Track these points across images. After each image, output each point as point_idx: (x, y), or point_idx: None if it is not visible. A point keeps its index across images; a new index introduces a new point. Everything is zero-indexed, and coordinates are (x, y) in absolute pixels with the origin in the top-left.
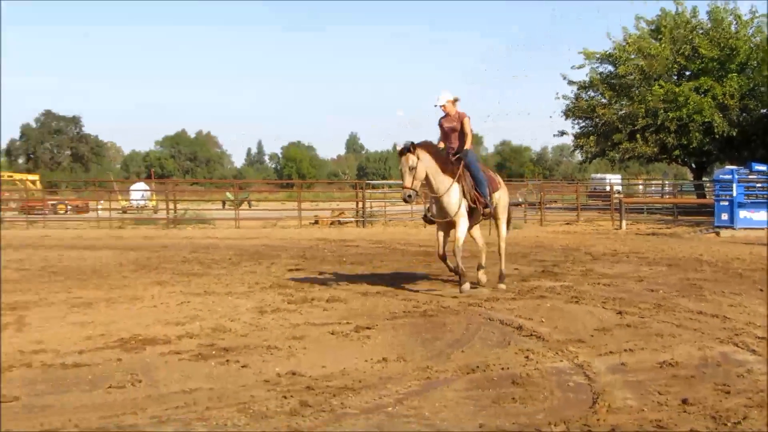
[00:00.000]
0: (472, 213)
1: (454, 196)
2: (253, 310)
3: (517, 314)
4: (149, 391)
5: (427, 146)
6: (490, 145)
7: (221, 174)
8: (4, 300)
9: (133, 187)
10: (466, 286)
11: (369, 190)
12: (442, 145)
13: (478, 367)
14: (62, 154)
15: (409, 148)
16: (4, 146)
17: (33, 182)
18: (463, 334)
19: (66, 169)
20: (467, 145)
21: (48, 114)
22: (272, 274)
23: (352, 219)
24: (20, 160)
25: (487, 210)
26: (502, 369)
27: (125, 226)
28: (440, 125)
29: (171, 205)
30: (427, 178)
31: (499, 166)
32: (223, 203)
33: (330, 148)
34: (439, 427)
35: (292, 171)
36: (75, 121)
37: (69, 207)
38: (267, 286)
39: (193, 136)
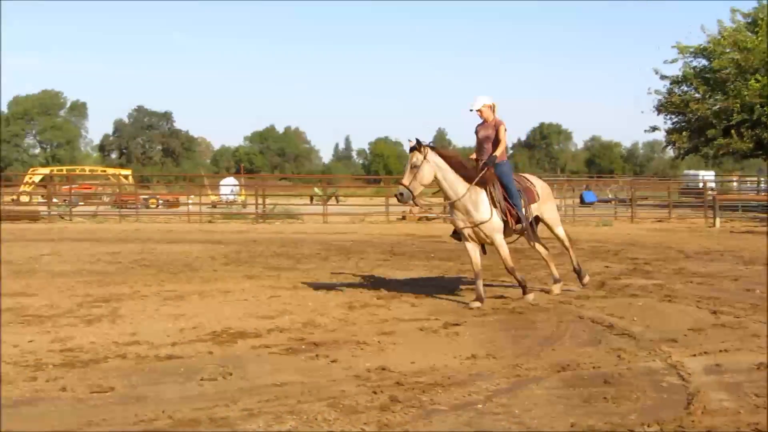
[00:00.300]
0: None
1: (481, 203)
2: (342, 305)
3: (608, 312)
4: (240, 383)
5: (440, 149)
6: (579, 140)
7: (309, 169)
8: (99, 291)
9: (223, 182)
10: (531, 296)
11: None
12: (473, 156)
13: (568, 365)
14: (154, 149)
15: (416, 146)
16: (98, 141)
17: (126, 177)
18: (553, 331)
19: (157, 164)
20: (498, 152)
21: (140, 110)
22: (360, 269)
23: (440, 215)
24: (113, 155)
25: (519, 226)
26: (594, 368)
27: (215, 220)
28: (476, 133)
29: (260, 200)
30: (438, 182)
31: (588, 162)
32: (311, 198)
33: None
34: (529, 425)
35: (380, 166)
36: (166, 116)
37: (160, 201)
38: (355, 281)
39: (281, 131)
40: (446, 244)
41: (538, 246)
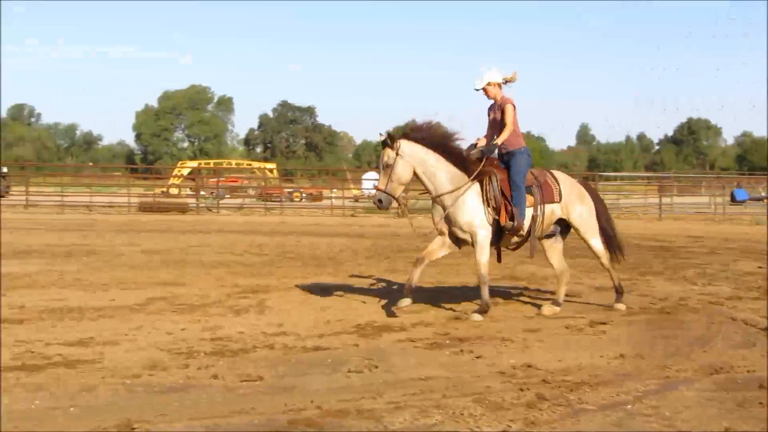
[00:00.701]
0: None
1: (467, 200)
2: None
3: (762, 314)
4: (386, 376)
5: (421, 133)
6: (729, 136)
7: None
8: (246, 282)
9: (365, 176)
10: (477, 316)
11: (601, 183)
12: (483, 141)
13: (721, 368)
14: (297, 143)
15: (386, 140)
16: (243, 135)
17: (270, 170)
18: (704, 333)
19: (300, 158)
20: (500, 138)
21: (284, 104)
22: (505, 266)
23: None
24: (258, 149)
25: (511, 224)
26: (748, 371)
27: (357, 214)
28: (488, 115)
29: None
30: (419, 178)
31: (739, 158)
32: None
33: (560, 139)
34: (680, 428)
35: None
36: (310, 111)
37: (304, 195)
38: (499, 277)
39: None
40: None
41: (553, 261)
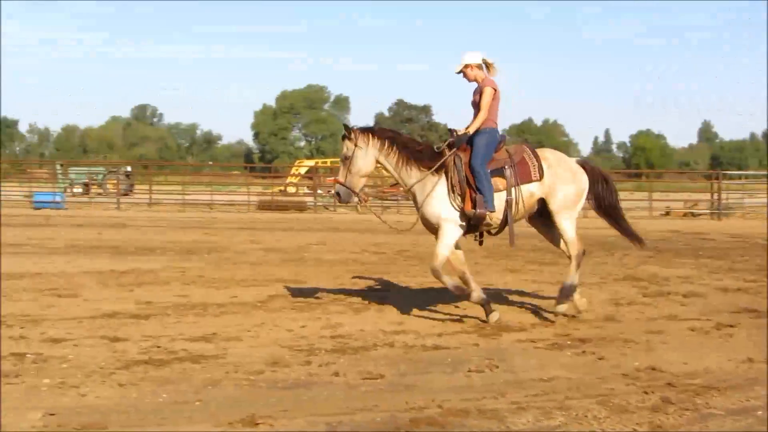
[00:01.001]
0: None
1: (434, 194)
2: (607, 301)
3: None
4: (507, 376)
5: (382, 129)
6: None
7: None
8: (365, 281)
9: None
10: (477, 296)
11: (725, 181)
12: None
13: None
14: None
15: (345, 133)
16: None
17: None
18: None
19: None
20: (474, 124)
21: (400, 103)
22: (625, 266)
23: (706, 211)
24: None
25: (473, 212)
26: None
27: None
28: (473, 98)
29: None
30: (385, 169)
31: None
32: None
33: (681, 137)
34: None
35: (641, 160)
36: (425, 110)
37: None
38: (620, 277)
39: (539, 124)
40: (714, 241)
41: (553, 241)
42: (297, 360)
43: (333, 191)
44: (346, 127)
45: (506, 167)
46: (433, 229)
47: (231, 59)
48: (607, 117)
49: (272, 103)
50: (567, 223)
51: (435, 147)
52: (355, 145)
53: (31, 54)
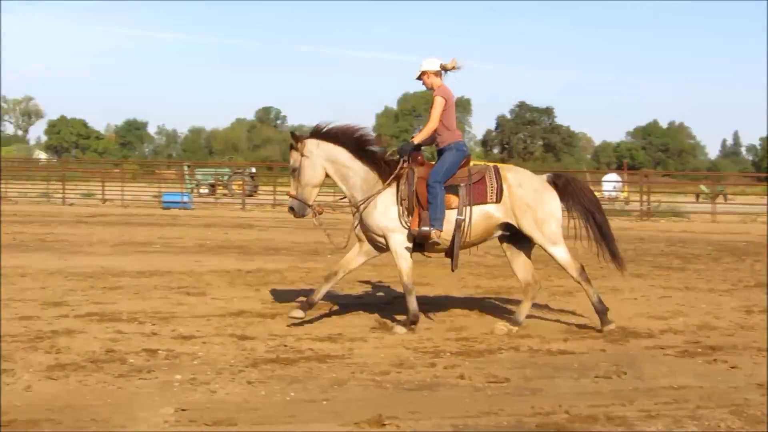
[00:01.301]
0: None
1: (379, 202)
2: (738, 309)
3: None
4: (635, 383)
5: (330, 131)
6: None
7: (693, 166)
8: (488, 284)
9: (605, 178)
10: (400, 329)
11: None
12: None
13: None
14: (535, 144)
15: (292, 143)
16: (480, 137)
17: None
18: None
19: (538, 159)
20: (418, 136)
21: (522, 105)
22: (757, 272)
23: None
24: (495, 150)
25: (417, 231)
26: None
27: None
28: None
29: (644, 197)
30: (334, 180)
31: None
32: (697, 196)
33: None
34: None
35: None
36: (548, 111)
37: None
38: (752, 284)
39: (665, 126)
40: None
41: (517, 270)
42: (422, 362)
43: (288, 206)
44: (294, 135)
45: (462, 186)
46: (374, 241)
47: (353, 59)
48: (736, 119)
49: (394, 105)
50: (553, 249)
51: (387, 154)
52: (302, 155)
53: (163, 56)
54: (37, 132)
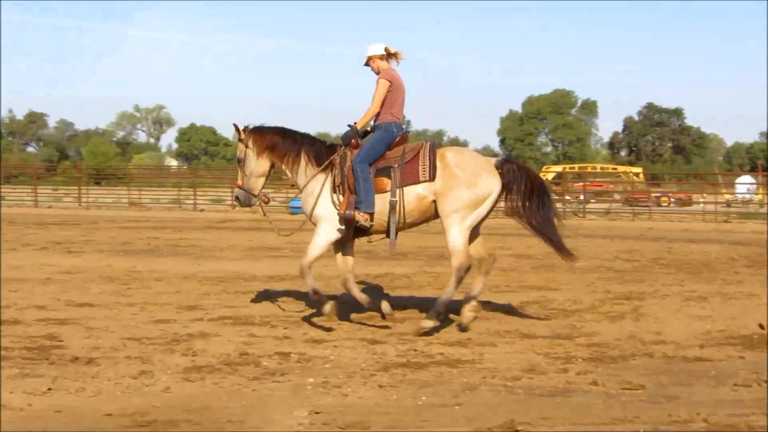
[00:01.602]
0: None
1: (315, 191)
2: None
3: None
4: None
5: (267, 129)
6: None
7: None
8: (619, 289)
9: (739, 180)
10: (329, 308)
11: None
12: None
13: None
14: (663, 147)
15: (237, 134)
16: (607, 139)
17: (636, 175)
18: None
19: (667, 162)
20: (363, 119)
21: (650, 107)
22: None
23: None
24: (622, 153)
25: (342, 213)
26: None
27: (731, 220)
28: None
29: None
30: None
31: None
32: None
33: None
34: None
35: None
36: (677, 113)
37: (672, 199)
38: None
39: None
40: None
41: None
42: (553, 367)
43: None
44: (237, 128)
45: (394, 167)
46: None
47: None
48: None
49: (518, 108)
50: (454, 229)
51: (327, 143)
52: (246, 146)
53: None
54: (168, 140)
